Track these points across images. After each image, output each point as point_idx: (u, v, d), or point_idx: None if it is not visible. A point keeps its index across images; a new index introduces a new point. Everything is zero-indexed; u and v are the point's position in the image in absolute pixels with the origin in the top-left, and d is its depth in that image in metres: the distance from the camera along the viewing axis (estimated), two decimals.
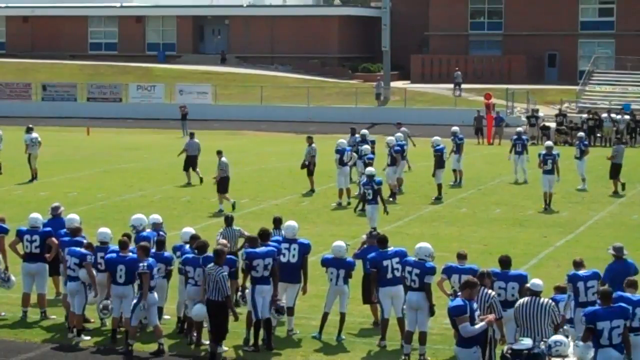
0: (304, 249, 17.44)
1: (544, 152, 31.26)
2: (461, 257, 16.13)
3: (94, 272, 17.36)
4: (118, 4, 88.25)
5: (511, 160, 36.02)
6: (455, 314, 13.39)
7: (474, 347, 13.41)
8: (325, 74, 79.00)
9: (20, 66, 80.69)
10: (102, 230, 18.09)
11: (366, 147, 32.18)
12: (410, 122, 48.46)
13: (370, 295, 17.36)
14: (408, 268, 16.16)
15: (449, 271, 16.05)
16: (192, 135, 36.96)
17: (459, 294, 13.77)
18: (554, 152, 31.23)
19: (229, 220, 19.47)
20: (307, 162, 33.11)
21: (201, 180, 35.05)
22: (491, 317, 13.70)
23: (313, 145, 33.22)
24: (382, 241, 16.96)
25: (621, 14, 76.31)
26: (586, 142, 36.29)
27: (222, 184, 30.28)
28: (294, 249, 17.35)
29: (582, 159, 34.51)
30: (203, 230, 25.70)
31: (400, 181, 32.99)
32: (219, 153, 30.77)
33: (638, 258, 23.08)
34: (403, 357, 16.15)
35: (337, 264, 17.05)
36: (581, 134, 37.39)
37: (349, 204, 30.73)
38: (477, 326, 13.39)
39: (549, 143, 32.73)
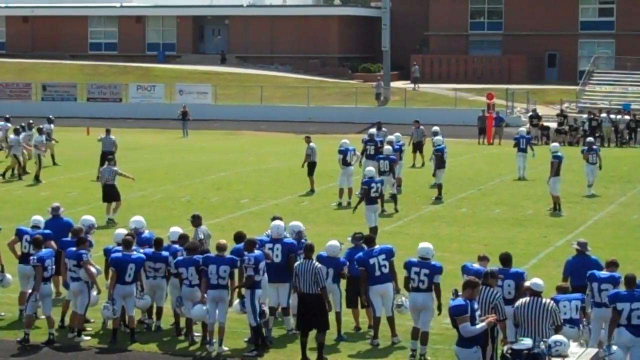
0: (288, 248, 17.46)
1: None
2: (480, 259, 16.00)
3: (93, 270, 17.43)
4: (118, 4, 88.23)
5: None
6: (455, 313, 13.39)
7: (474, 347, 13.41)
8: (325, 74, 79.00)
9: (20, 66, 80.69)
10: (119, 232, 18.16)
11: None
12: (411, 123, 48.42)
13: (355, 299, 17.43)
14: (414, 269, 16.16)
15: (462, 270, 16.00)
16: (108, 131, 36.72)
17: (460, 293, 13.76)
18: (559, 153, 30.68)
19: (198, 219, 19.29)
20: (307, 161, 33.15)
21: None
22: (492, 317, 13.70)
23: (311, 144, 33.21)
24: (369, 240, 17.19)
25: (621, 14, 76.32)
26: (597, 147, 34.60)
27: (111, 193, 28.36)
28: (277, 249, 17.40)
29: (596, 164, 33.14)
30: None
31: (399, 181, 32.97)
32: (110, 160, 29.27)
33: (638, 258, 23.18)
34: (411, 353, 16.25)
35: (327, 263, 17.11)
36: (590, 138, 36.27)
37: (349, 203, 30.69)
38: (477, 326, 13.39)
39: (555, 145, 32.21)
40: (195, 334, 17.23)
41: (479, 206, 31.12)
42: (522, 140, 36.89)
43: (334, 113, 64.85)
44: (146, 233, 18.62)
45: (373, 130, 34.63)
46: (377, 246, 17.04)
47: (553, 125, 53.36)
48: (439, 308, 16.14)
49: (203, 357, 16.56)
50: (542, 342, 13.72)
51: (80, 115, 64.62)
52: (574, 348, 14.08)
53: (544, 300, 14.28)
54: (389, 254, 16.83)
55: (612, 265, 15.75)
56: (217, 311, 16.64)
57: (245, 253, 16.65)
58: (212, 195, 32.90)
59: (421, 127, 40.25)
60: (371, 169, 27.26)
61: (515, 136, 38.20)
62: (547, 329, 14.11)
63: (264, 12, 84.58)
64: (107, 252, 17.89)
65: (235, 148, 48.18)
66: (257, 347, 16.64)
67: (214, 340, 16.69)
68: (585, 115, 54.14)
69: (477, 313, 13.52)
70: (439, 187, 32.16)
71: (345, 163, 31.30)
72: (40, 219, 18.99)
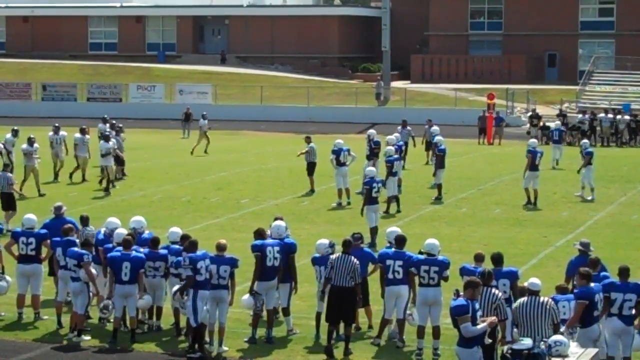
0: (288, 249, 17.42)
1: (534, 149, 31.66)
2: (477, 258, 16.02)
3: (94, 272, 17.44)
4: (118, 4, 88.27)
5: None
6: (457, 313, 13.39)
7: (475, 347, 13.41)
8: (325, 74, 79.03)
9: (20, 66, 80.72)
10: (119, 232, 18.12)
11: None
12: (410, 122, 48.42)
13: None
14: (424, 267, 16.28)
15: (461, 272, 15.99)
16: (118, 129, 36.85)
17: (462, 293, 13.76)
18: (538, 149, 31.67)
19: (84, 221, 19.26)
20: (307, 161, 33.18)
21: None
22: (493, 318, 13.70)
23: (311, 144, 33.23)
24: (399, 241, 17.00)
25: (621, 14, 76.36)
26: (591, 150, 33.36)
27: (7, 201, 27.13)
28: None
29: (590, 167, 32.28)
30: (202, 230, 25.76)
31: (399, 181, 32.94)
32: (6, 166, 28.71)
33: (638, 258, 23.17)
34: (417, 351, 16.32)
35: (320, 262, 17.17)
36: (585, 141, 36.00)
37: (348, 203, 30.71)
38: (478, 327, 13.39)
39: (533, 141, 32.89)
40: None
41: (479, 206, 31.12)
42: (556, 133, 39.96)
43: (334, 113, 64.86)
44: (146, 234, 18.58)
45: (372, 131, 34.66)
46: (407, 251, 16.85)
47: (552, 125, 53.33)
48: None
49: (201, 357, 16.55)
50: (542, 342, 13.73)
51: (81, 115, 64.50)
52: (574, 348, 14.07)
53: (542, 299, 14.28)
54: (407, 263, 16.62)
55: (595, 264, 15.72)
56: (217, 311, 16.64)
57: (183, 253, 16.62)
58: (212, 195, 32.89)
59: (435, 126, 39.95)
60: (372, 169, 27.23)
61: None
62: (546, 328, 14.12)
63: (264, 12, 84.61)
64: (104, 250, 17.84)
65: (235, 148, 48.19)
66: (191, 347, 16.51)
67: (215, 341, 16.69)
68: (580, 116, 54.06)
69: (479, 313, 13.53)
70: (439, 187, 32.18)
71: (339, 163, 31.28)
72: (33, 218, 18.94)
